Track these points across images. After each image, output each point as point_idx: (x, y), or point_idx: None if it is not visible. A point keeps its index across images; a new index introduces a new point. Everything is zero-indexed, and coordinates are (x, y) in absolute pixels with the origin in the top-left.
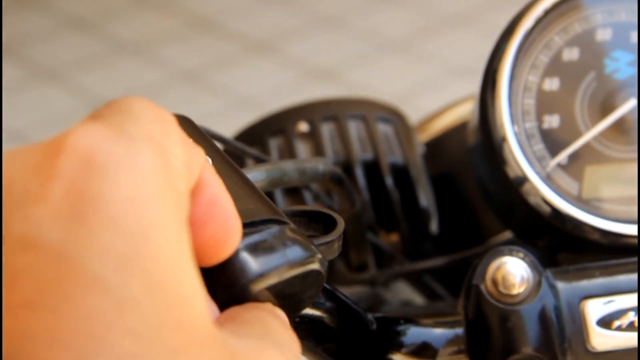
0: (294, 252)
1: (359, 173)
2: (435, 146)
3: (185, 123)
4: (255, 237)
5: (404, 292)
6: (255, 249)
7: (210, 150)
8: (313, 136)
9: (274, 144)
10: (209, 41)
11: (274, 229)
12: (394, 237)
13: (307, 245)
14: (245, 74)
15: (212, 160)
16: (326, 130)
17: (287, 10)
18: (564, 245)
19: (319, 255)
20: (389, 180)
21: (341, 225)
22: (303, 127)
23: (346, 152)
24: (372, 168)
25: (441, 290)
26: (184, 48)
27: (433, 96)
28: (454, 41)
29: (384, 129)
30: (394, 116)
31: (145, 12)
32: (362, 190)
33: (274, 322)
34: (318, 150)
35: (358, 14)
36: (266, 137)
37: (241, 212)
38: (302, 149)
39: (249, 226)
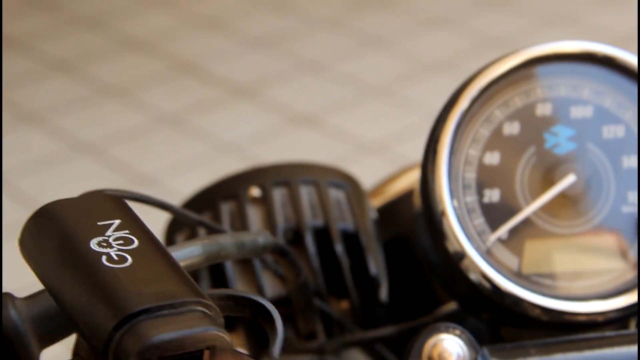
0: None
1: (309, 240)
2: (389, 211)
3: (113, 202)
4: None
5: None
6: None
7: (136, 229)
8: (265, 202)
9: (226, 208)
10: (192, 84)
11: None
12: (345, 305)
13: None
14: (227, 118)
15: (138, 241)
16: (278, 195)
17: (270, 54)
18: (506, 320)
19: (221, 334)
20: (339, 247)
21: (275, 315)
22: (255, 192)
23: (297, 219)
24: (323, 234)
25: (393, 359)
26: (166, 91)
27: (414, 142)
28: (435, 87)
29: (335, 194)
30: (346, 181)
31: (129, 54)
32: (312, 258)
33: None
34: (269, 216)
35: (340, 59)
36: (218, 202)
37: (162, 293)
38: (254, 214)
39: (168, 307)
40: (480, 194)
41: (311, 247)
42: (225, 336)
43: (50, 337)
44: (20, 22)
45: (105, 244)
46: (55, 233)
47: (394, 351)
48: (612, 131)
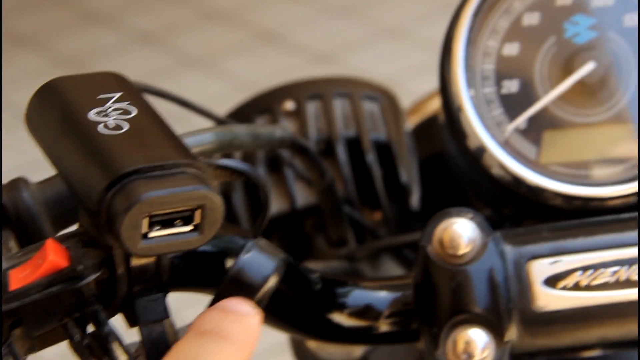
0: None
1: (340, 149)
2: (425, 128)
3: (117, 79)
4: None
5: (390, 269)
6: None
7: (135, 100)
8: (298, 114)
9: (260, 122)
10: (273, 53)
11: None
12: (378, 216)
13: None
14: None
15: (137, 110)
16: (311, 108)
17: (348, 20)
18: (528, 213)
19: (212, 193)
20: (370, 157)
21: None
22: (289, 105)
23: (329, 129)
24: (355, 145)
25: None
26: (248, 60)
27: None
28: None
29: (369, 107)
30: (381, 94)
31: (211, 25)
32: (343, 166)
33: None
34: (302, 128)
35: (421, 25)
36: (253, 116)
37: (154, 155)
38: (288, 126)
39: (160, 168)
40: (498, 85)
41: (342, 155)
42: (216, 196)
43: (64, 220)
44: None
45: (103, 114)
46: (57, 106)
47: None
48: (634, 19)
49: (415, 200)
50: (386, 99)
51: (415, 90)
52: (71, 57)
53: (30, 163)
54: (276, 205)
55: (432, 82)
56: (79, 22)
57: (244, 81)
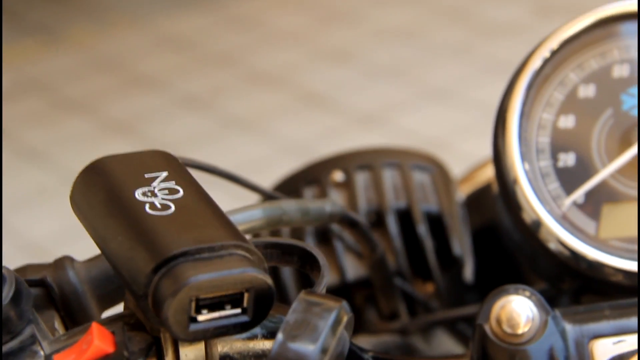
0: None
1: (391, 220)
2: (477, 198)
3: (163, 157)
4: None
5: (442, 343)
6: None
7: (182, 180)
8: (347, 185)
9: (309, 193)
10: (318, 115)
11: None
12: (430, 288)
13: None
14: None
15: (183, 191)
16: (361, 179)
17: (395, 82)
18: (587, 289)
19: (261, 276)
20: (421, 228)
21: (320, 259)
22: (338, 176)
23: (379, 200)
24: (406, 216)
25: None
26: (294, 122)
27: None
28: None
29: (420, 177)
30: (431, 164)
31: (257, 89)
32: (394, 238)
33: None
34: (351, 199)
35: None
36: (301, 187)
37: (202, 237)
38: (337, 198)
39: (208, 250)
40: (554, 158)
41: (393, 227)
42: (266, 278)
43: (110, 299)
44: (154, 61)
45: (149, 194)
46: (102, 185)
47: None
48: None
49: (468, 272)
50: (437, 168)
51: (463, 151)
52: (119, 121)
53: (73, 227)
54: (294, 283)
55: (478, 144)
56: (126, 87)
57: (290, 142)
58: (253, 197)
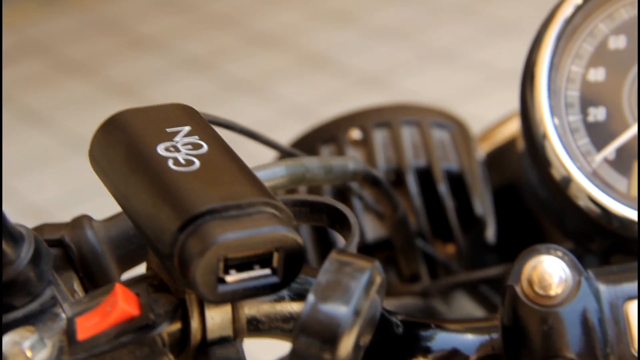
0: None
1: (410, 179)
2: (498, 156)
3: (185, 111)
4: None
5: (463, 305)
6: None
7: (206, 135)
8: (365, 143)
9: (326, 151)
10: (320, 77)
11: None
12: (451, 249)
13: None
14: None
15: (208, 145)
16: (379, 137)
17: (399, 44)
18: (616, 247)
19: (292, 235)
20: (442, 187)
21: (348, 214)
22: (355, 134)
23: (398, 159)
24: (426, 175)
25: (499, 301)
26: (295, 84)
27: None
28: None
29: (439, 134)
30: (450, 122)
31: (258, 50)
32: (414, 197)
33: None
34: (369, 157)
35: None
36: (318, 145)
37: (229, 194)
38: (354, 156)
39: (235, 208)
40: (584, 112)
41: (413, 186)
42: (297, 237)
43: (130, 259)
44: (153, 23)
45: (173, 149)
46: (122, 141)
47: (500, 293)
48: None
49: (490, 232)
50: (457, 126)
51: (468, 114)
52: (120, 84)
53: (78, 191)
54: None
55: (483, 106)
56: (126, 49)
57: (292, 105)
58: (267, 157)
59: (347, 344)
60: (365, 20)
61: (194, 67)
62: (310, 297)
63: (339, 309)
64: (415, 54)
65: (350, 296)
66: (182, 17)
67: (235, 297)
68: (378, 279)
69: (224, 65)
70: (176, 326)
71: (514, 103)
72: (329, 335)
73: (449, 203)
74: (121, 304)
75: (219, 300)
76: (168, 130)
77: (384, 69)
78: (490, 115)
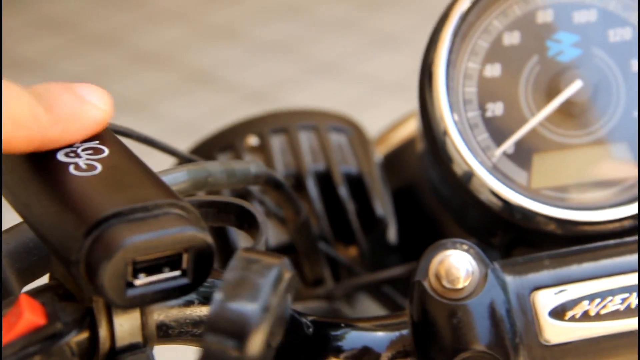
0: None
1: (310, 184)
2: (395, 158)
3: None
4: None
5: (367, 307)
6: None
7: (106, 139)
8: (263, 149)
9: (224, 158)
10: (206, 94)
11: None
12: (353, 251)
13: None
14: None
15: (109, 149)
16: (276, 142)
17: (285, 59)
18: (518, 241)
19: (201, 234)
20: (342, 190)
21: (256, 213)
22: (253, 140)
23: (297, 164)
24: (326, 179)
25: (404, 302)
26: (181, 101)
27: None
28: None
29: (337, 138)
30: (347, 125)
31: (143, 69)
32: (315, 202)
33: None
34: (268, 163)
35: (354, 60)
36: (215, 153)
37: (134, 196)
38: (255, 159)
39: (141, 210)
40: (482, 108)
41: (313, 190)
42: (206, 237)
43: (31, 272)
44: (34, 42)
45: (73, 154)
46: None
47: (403, 293)
48: (619, 34)
49: (391, 233)
50: (353, 129)
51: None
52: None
53: None
54: (245, 244)
55: (372, 117)
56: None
57: (178, 122)
58: (162, 167)
59: (256, 341)
60: (249, 36)
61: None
62: (218, 295)
63: (247, 306)
64: (300, 68)
65: (258, 293)
66: (62, 37)
67: (145, 301)
68: (287, 275)
69: (106, 84)
70: (84, 335)
71: (400, 111)
72: (237, 333)
73: (350, 206)
74: (27, 314)
75: (129, 305)
76: None
77: (270, 84)
78: (377, 124)
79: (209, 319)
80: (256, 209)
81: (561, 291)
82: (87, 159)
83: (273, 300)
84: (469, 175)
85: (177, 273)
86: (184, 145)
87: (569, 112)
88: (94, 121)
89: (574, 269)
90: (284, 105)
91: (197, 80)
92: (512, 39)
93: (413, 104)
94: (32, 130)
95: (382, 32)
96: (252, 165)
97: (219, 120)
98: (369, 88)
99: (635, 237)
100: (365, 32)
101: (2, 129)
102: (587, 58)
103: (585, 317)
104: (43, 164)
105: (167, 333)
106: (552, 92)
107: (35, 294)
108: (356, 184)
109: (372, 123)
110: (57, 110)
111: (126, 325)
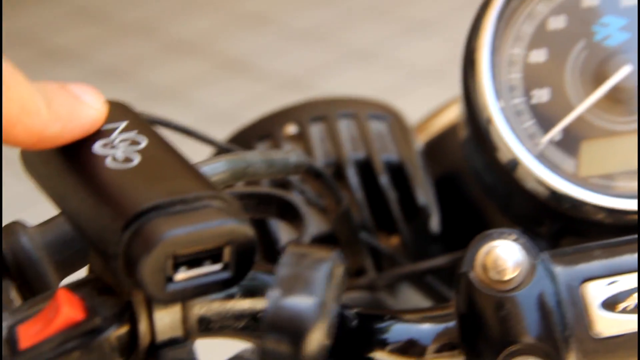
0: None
1: (351, 172)
2: (436, 146)
3: (121, 107)
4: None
5: (410, 297)
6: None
7: (143, 130)
8: (302, 138)
9: (262, 147)
10: (241, 82)
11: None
12: (395, 240)
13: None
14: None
15: (147, 140)
16: (315, 131)
17: (319, 46)
18: (566, 230)
19: (242, 227)
20: (383, 179)
21: (298, 204)
22: (291, 129)
23: (336, 152)
24: (366, 168)
25: (448, 292)
26: (216, 90)
27: None
28: None
29: (376, 126)
30: (387, 113)
31: (177, 57)
32: (355, 191)
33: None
34: (308, 152)
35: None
36: (253, 142)
37: (173, 189)
38: (295, 149)
39: (181, 203)
40: (527, 95)
41: (353, 179)
42: (248, 229)
43: (69, 265)
44: (70, 32)
45: (110, 146)
46: None
47: (447, 283)
48: None
49: (434, 222)
50: (393, 117)
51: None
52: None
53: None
54: (285, 235)
55: (407, 104)
56: (44, 60)
57: (213, 111)
58: (200, 157)
59: (315, 337)
60: (283, 23)
61: (111, 76)
62: (273, 293)
63: (304, 302)
64: (335, 55)
65: (314, 288)
66: (97, 27)
67: (186, 296)
68: (340, 269)
69: (141, 74)
70: (124, 329)
71: (436, 98)
72: (296, 330)
73: (391, 194)
74: (65, 309)
75: (169, 300)
76: (104, 127)
77: (304, 72)
78: (415, 111)
79: (266, 317)
80: (298, 200)
81: (613, 282)
82: (125, 150)
83: (328, 294)
84: (514, 163)
85: (218, 267)
86: (219, 134)
87: (617, 98)
88: (90, 121)
89: (626, 259)
90: (319, 93)
91: (232, 68)
92: (557, 23)
93: (449, 90)
94: (33, 123)
95: (417, 18)
96: (291, 154)
97: (254, 108)
98: (404, 75)
99: None
100: (400, 18)
101: (8, 112)
102: (635, 42)
103: (638, 309)
104: (79, 155)
105: (208, 327)
106: (599, 77)
107: (74, 288)
108: (397, 172)
109: (408, 110)
110: (56, 109)
111: (167, 319)
